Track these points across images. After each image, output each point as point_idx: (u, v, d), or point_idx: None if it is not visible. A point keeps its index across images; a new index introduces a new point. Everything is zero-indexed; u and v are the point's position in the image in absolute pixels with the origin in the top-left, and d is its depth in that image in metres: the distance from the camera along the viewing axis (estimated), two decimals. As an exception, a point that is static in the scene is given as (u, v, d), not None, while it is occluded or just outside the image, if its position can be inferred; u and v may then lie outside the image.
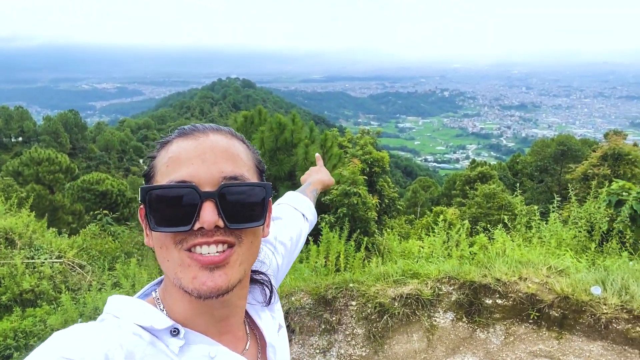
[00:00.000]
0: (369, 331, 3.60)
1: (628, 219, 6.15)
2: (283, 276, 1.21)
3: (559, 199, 5.63)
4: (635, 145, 22.88)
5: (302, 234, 1.33)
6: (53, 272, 5.93)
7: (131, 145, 68.18)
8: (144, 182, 0.84)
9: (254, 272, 0.99)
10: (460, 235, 4.78)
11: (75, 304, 4.77)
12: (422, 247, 4.93)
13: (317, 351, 3.62)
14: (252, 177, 0.81)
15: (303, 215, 1.37)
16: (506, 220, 5.60)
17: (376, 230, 9.34)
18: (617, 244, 5.30)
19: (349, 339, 3.62)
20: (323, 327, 3.69)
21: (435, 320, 3.64)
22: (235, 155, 0.80)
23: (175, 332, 0.77)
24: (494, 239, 4.87)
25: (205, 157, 0.76)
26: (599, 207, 5.81)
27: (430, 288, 3.72)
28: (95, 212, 9.41)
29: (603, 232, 5.36)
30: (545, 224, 5.31)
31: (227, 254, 0.75)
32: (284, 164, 10.22)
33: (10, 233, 6.32)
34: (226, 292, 0.75)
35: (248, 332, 0.92)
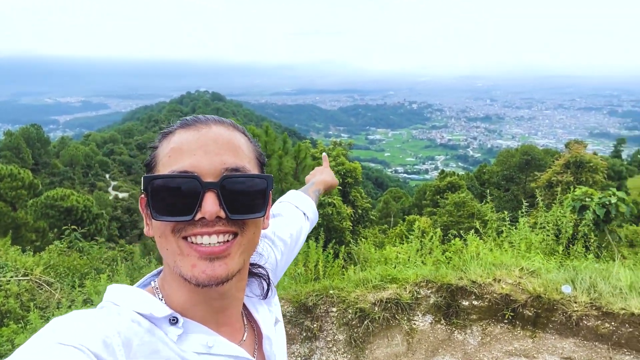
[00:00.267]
0: (350, 337, 3.63)
1: (592, 223, 6.43)
2: (282, 272, 1.21)
3: (527, 204, 5.84)
4: (594, 154, 23.91)
5: (303, 232, 1.33)
6: (20, 290, 5.72)
7: (97, 160, 66.37)
8: (145, 172, 0.84)
9: (252, 265, 1.00)
10: (433, 242, 4.89)
11: (44, 322, 4.61)
12: (399, 253, 5.02)
13: (299, 359, 3.62)
14: (253, 169, 0.82)
15: (304, 213, 1.37)
16: (478, 227, 5.76)
17: (351, 240, 9.40)
18: (582, 247, 5.52)
19: (331, 345, 3.64)
20: (304, 334, 3.69)
21: (414, 324, 3.71)
22: (237, 147, 0.81)
23: (174, 321, 0.77)
24: (467, 244, 5.00)
25: (207, 148, 0.77)
26: (564, 213, 6.04)
27: (409, 292, 3.79)
28: (63, 228, 9.13)
29: (569, 236, 5.57)
30: (515, 229, 5.49)
31: (229, 245, 0.76)
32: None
33: (-27, 251, 6.07)
34: (225, 281, 0.76)
35: (245, 323, 0.93)
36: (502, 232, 5.51)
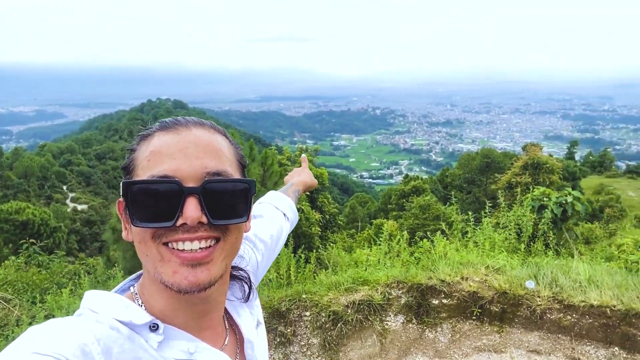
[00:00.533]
0: (324, 340, 3.65)
1: (550, 222, 6.71)
2: (263, 274, 1.20)
3: (490, 205, 6.04)
4: (550, 156, 25.02)
5: (283, 233, 1.32)
6: (-25, 308, 5.44)
7: (53, 171, 63.80)
8: (122, 175, 0.81)
9: (233, 268, 0.98)
10: (400, 245, 4.99)
11: (3, 340, 4.40)
12: (370, 256, 5.08)
13: (274, 365, 3.60)
14: (234, 172, 0.80)
15: (284, 214, 1.37)
16: (444, 228, 5.91)
17: (320, 245, 9.44)
18: (543, 244, 5.75)
19: (305, 350, 3.64)
20: (278, 340, 3.69)
21: (387, 324, 3.76)
22: (219, 150, 0.79)
23: (154, 328, 0.76)
24: (434, 245, 5.12)
25: (188, 151, 0.75)
26: (525, 212, 6.28)
27: (381, 293, 3.85)
28: (20, 242, 8.74)
29: (530, 234, 5.79)
30: (479, 229, 5.66)
31: (211, 251, 0.75)
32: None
33: None
34: (208, 287, 0.75)
35: (227, 327, 0.92)
36: (467, 232, 5.68)
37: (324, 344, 3.64)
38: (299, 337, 3.70)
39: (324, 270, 4.91)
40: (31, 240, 8.51)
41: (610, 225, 14.17)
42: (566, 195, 7.52)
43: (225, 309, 0.94)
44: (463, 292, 3.78)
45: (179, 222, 0.72)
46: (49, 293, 6.15)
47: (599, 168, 56.72)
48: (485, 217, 5.73)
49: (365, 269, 4.36)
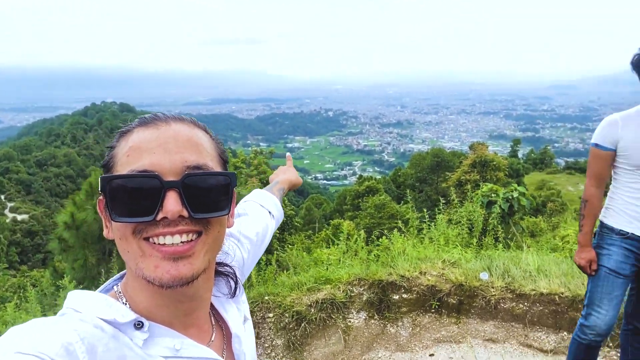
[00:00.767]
0: (288, 340, 3.65)
1: (499, 217, 7.04)
2: (249, 271, 1.21)
3: (444, 202, 6.25)
4: (495, 154, 26.22)
5: (269, 231, 1.33)
6: None
7: (-11, 180, 59.96)
8: (102, 173, 0.80)
9: (218, 264, 0.98)
10: (357, 244, 5.08)
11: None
12: (330, 255, 5.13)
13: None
14: (215, 166, 0.80)
15: (269, 212, 1.37)
16: (400, 226, 6.06)
17: (278, 247, 9.40)
18: (493, 238, 6.03)
19: (269, 351, 3.63)
20: (242, 343, 3.65)
21: (349, 321, 3.82)
22: (199, 144, 0.79)
23: (139, 326, 0.75)
24: (392, 242, 5.25)
25: (167, 146, 0.75)
26: (475, 208, 6.55)
27: (343, 291, 3.90)
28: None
29: (480, 229, 6.05)
30: (434, 226, 5.86)
31: (192, 244, 0.74)
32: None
33: None
34: (190, 281, 0.74)
35: (213, 324, 0.92)
36: (422, 229, 5.85)
37: (288, 344, 3.64)
38: (262, 338, 3.68)
39: (284, 272, 4.91)
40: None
41: (553, 218, 14.97)
42: (512, 191, 7.91)
43: (212, 305, 0.94)
44: (422, 287, 3.89)
45: (160, 216, 0.72)
46: (-9, 308, 5.80)
47: (540, 165, 59.87)
48: (439, 214, 5.94)
49: (327, 268, 4.40)
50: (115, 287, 0.83)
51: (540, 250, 5.57)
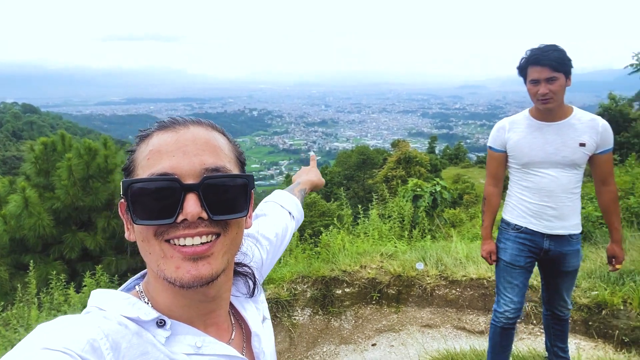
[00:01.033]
0: (235, 343, 3.62)
1: (425, 211, 7.45)
2: (268, 271, 1.22)
3: (376, 197, 6.50)
4: (416, 150, 27.64)
5: (288, 231, 1.34)
6: None
7: None
8: (123, 176, 0.82)
9: (237, 264, 1.00)
10: (290, 242, 5.13)
11: None
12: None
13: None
14: (233, 168, 0.82)
15: (289, 213, 1.38)
16: (335, 222, 6.22)
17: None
18: (419, 231, 6.38)
19: (215, 356, 3.58)
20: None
21: (295, 319, 3.87)
22: (217, 147, 0.81)
23: (161, 324, 0.77)
24: (330, 239, 5.37)
25: (186, 149, 0.77)
26: (403, 203, 6.88)
27: (287, 290, 3.94)
28: None
29: (410, 222, 6.37)
30: (368, 221, 6.08)
31: (211, 245, 0.76)
32: (100, 193, 9.28)
33: None
34: (210, 281, 0.77)
35: (233, 322, 0.94)
36: (357, 224, 6.05)
37: (234, 346, 3.61)
38: (207, 343, 3.63)
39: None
40: None
41: (470, 209, 16.06)
42: (435, 185, 8.41)
43: (232, 304, 0.96)
44: (363, 280, 4.04)
45: (180, 218, 0.74)
46: None
47: (455, 160, 63.67)
48: (372, 209, 6.17)
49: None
50: (137, 287, 0.85)
51: (463, 240, 5.98)
